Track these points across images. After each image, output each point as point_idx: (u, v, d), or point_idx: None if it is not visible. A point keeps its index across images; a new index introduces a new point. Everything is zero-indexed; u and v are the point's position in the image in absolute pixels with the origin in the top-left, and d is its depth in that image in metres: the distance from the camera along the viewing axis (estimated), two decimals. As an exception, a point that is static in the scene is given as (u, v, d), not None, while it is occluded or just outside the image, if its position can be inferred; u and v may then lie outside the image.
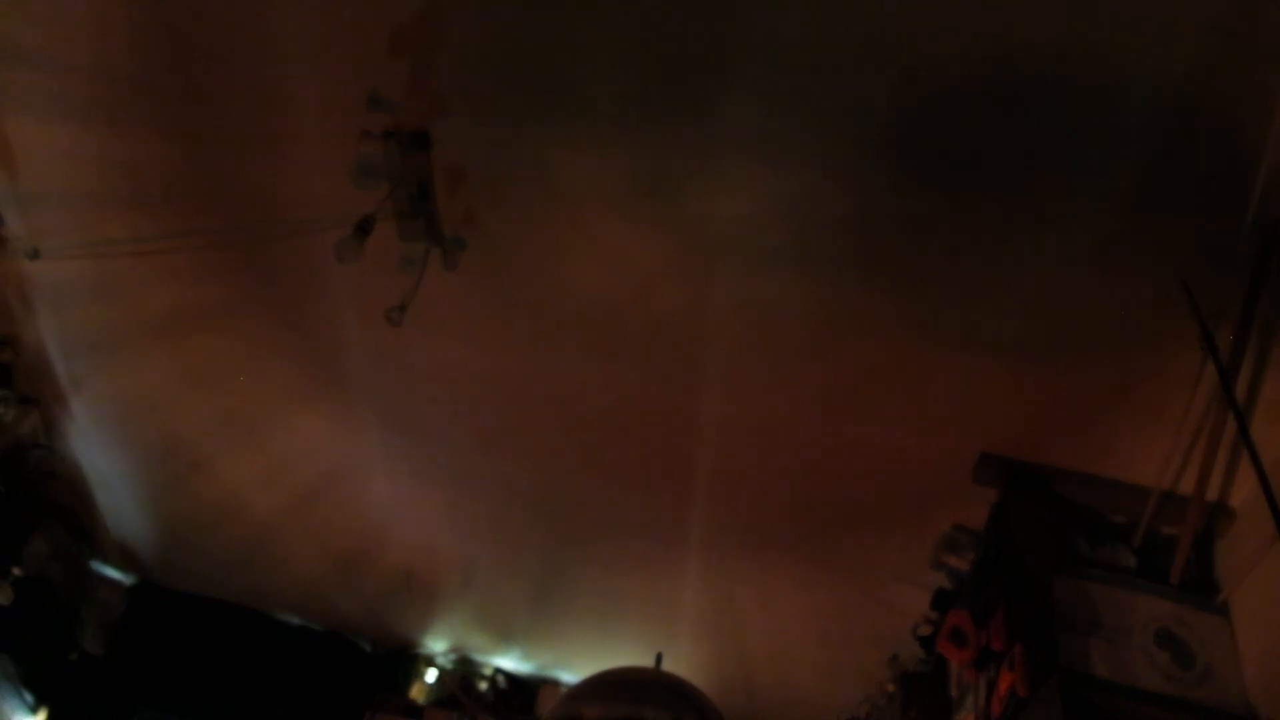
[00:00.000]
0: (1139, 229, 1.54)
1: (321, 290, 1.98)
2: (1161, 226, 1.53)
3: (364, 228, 1.68)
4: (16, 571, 2.38)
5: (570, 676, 2.70)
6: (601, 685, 1.18)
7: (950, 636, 1.87)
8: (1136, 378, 1.70)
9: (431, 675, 2.77)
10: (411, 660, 2.77)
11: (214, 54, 1.69)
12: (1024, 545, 1.80)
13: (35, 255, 2.05)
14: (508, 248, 1.84)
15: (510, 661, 2.74)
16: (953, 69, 1.46)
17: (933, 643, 2.05)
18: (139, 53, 1.72)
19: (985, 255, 1.63)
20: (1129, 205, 1.53)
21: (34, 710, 2.43)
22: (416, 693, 2.79)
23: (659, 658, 1.37)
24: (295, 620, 2.56)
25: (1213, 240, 1.52)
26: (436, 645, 2.62)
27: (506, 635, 2.54)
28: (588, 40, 1.55)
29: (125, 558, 2.63)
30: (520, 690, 2.77)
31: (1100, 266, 1.59)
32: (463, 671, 2.74)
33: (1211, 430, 1.65)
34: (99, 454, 2.40)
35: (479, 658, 2.71)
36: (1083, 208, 1.54)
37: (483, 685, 2.76)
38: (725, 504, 2.08)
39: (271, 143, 1.78)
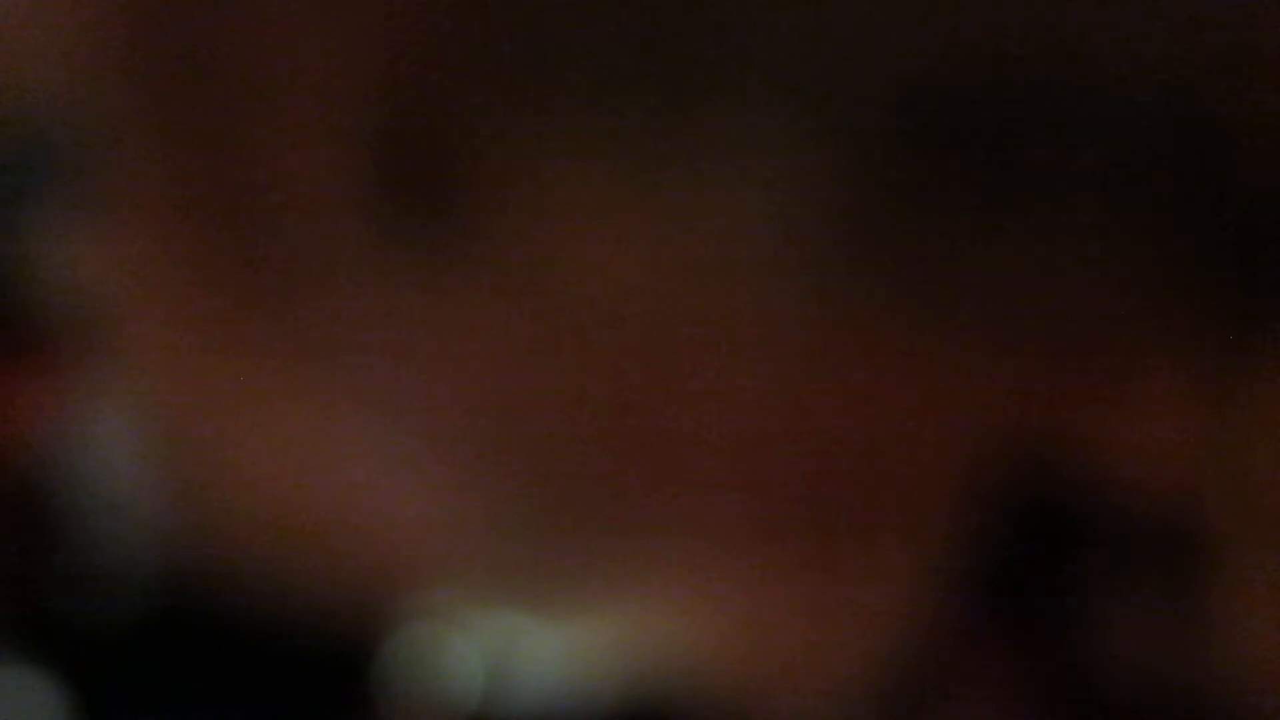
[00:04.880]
0: (1141, 229, 1.55)
1: (321, 288, 1.99)
2: (1165, 226, 1.53)
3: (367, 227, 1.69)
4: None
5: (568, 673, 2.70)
6: None
7: (949, 640, 1.87)
8: (1140, 378, 1.70)
9: (428, 677, 2.75)
10: (408, 660, 2.76)
11: (212, 36, 1.70)
12: (1026, 548, 1.80)
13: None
14: (504, 249, 1.84)
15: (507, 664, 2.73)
16: (955, 69, 1.47)
17: (931, 646, 2.05)
18: (133, 38, 1.72)
19: (987, 255, 1.64)
20: (1132, 205, 1.54)
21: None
22: (412, 696, 2.77)
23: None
24: (292, 619, 2.55)
25: (1215, 240, 1.52)
26: (434, 643, 2.61)
27: (504, 637, 2.53)
28: (586, 40, 1.57)
29: (117, 559, 2.62)
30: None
31: (1103, 267, 1.60)
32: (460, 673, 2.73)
33: (1216, 429, 1.65)
34: (92, 456, 2.39)
35: (477, 658, 2.70)
36: (1085, 207, 1.55)
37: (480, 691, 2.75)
38: (723, 503, 2.09)
39: (272, 137, 1.79)
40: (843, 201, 1.66)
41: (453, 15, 1.65)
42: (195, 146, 1.85)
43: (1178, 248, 1.57)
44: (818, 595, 2.07)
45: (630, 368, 1.94)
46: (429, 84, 1.71)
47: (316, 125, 1.76)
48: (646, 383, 1.95)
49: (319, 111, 1.74)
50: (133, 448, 2.25)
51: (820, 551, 2.03)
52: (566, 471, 2.09)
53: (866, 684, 1.96)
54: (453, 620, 2.03)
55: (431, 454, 2.10)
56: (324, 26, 1.69)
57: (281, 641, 2.05)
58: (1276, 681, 1.60)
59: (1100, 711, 1.62)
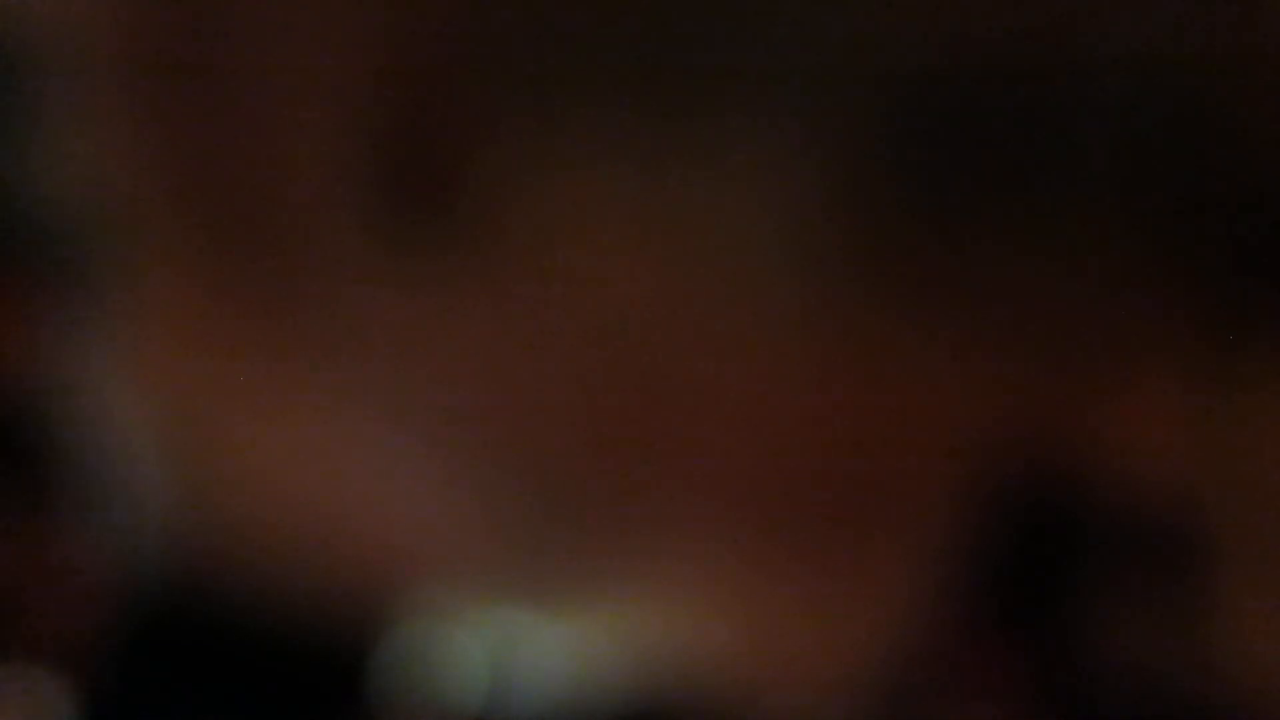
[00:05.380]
0: (1141, 229, 1.55)
1: (322, 288, 1.99)
2: (1164, 226, 1.54)
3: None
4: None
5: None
6: None
7: (950, 640, 1.87)
8: (1139, 378, 1.71)
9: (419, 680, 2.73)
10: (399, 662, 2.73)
11: (215, 39, 1.70)
12: (1025, 547, 1.80)
13: None
14: (504, 250, 1.84)
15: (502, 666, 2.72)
16: (955, 72, 1.48)
17: (932, 645, 2.05)
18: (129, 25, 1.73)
19: (986, 256, 1.64)
20: (1131, 206, 1.54)
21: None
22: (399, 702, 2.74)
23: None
24: (293, 616, 2.54)
25: (1215, 240, 1.53)
26: (435, 640, 2.59)
27: (506, 633, 2.53)
28: (589, 44, 1.57)
29: (115, 555, 2.61)
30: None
31: (1103, 268, 1.60)
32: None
33: (1216, 429, 1.65)
34: (91, 454, 2.39)
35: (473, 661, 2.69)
36: (1085, 208, 1.55)
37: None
38: (724, 502, 2.09)
39: (274, 139, 1.79)
40: (844, 204, 1.67)
41: (456, 20, 1.65)
42: (197, 149, 1.85)
43: (1178, 248, 1.58)
44: (818, 593, 2.08)
45: (632, 367, 1.94)
46: (433, 89, 1.72)
47: (320, 128, 1.76)
48: (649, 381, 1.95)
49: (322, 114, 1.75)
50: (132, 445, 2.26)
51: (821, 550, 2.04)
52: (568, 469, 2.09)
53: (867, 682, 1.97)
54: (454, 617, 2.04)
55: (433, 451, 2.10)
56: (328, 30, 1.69)
57: (282, 638, 2.05)
58: (1276, 681, 1.60)
59: (1100, 711, 1.62)
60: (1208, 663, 1.62)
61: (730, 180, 1.68)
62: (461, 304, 1.96)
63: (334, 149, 1.74)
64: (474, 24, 1.65)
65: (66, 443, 2.28)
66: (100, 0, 1.71)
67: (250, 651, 2.07)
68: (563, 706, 1.81)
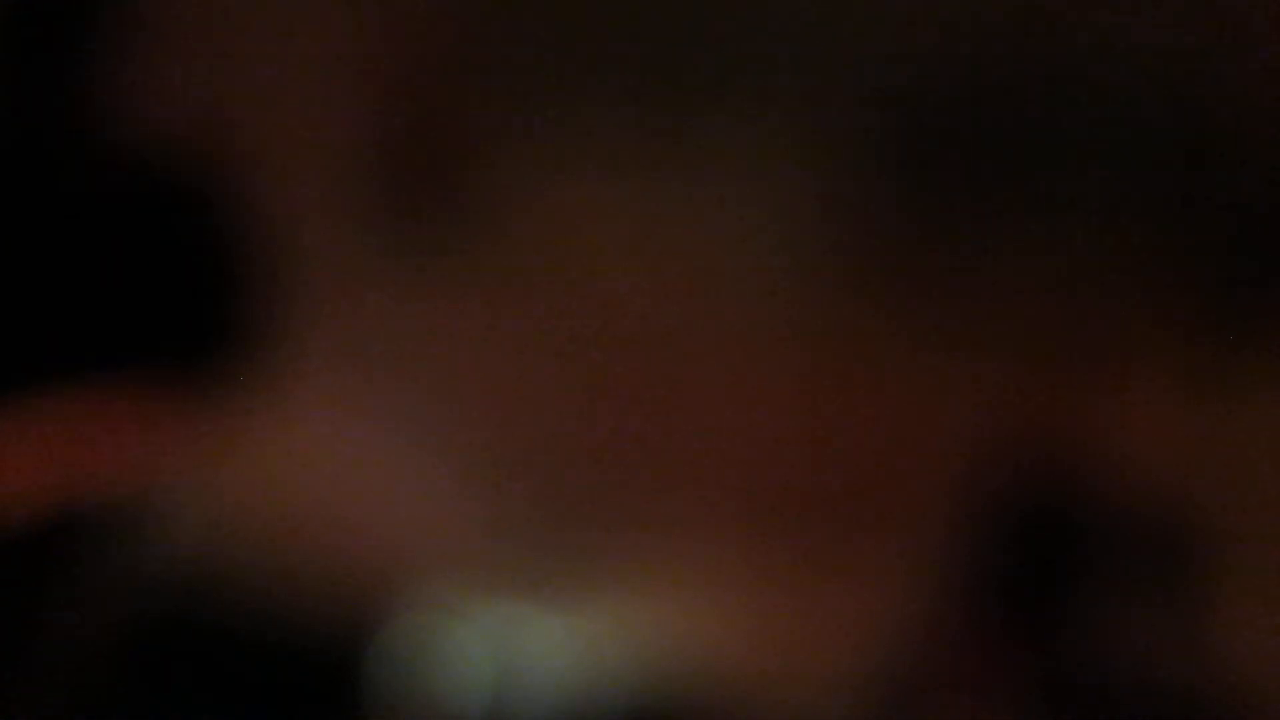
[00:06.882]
0: (1140, 230, 1.56)
1: (323, 289, 1.99)
2: (1163, 227, 1.54)
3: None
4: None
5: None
6: None
7: (951, 639, 1.87)
8: (1139, 379, 1.71)
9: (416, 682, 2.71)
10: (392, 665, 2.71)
11: (219, 48, 1.70)
12: (1025, 547, 1.81)
13: None
14: (505, 250, 1.85)
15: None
16: (953, 74, 1.49)
17: (933, 645, 2.05)
18: None
19: (985, 258, 1.65)
20: (1130, 207, 1.54)
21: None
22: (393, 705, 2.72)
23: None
24: (295, 611, 2.53)
25: (1214, 240, 1.53)
26: (437, 635, 2.58)
27: (508, 628, 2.53)
28: (592, 50, 1.58)
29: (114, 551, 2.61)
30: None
31: (1102, 269, 1.61)
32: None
33: (1216, 429, 1.66)
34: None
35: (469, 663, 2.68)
36: (1084, 209, 1.56)
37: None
38: (726, 502, 2.09)
39: (277, 144, 1.79)
40: (843, 206, 1.67)
41: (457, 24, 1.66)
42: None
43: (1176, 249, 1.58)
44: (819, 591, 2.07)
45: (634, 366, 1.94)
46: (435, 94, 1.72)
47: (321, 132, 1.77)
48: (651, 380, 1.95)
49: (323, 118, 1.75)
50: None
51: (822, 548, 2.04)
52: (570, 465, 2.09)
53: (867, 681, 1.97)
54: (455, 613, 2.04)
55: (435, 447, 2.10)
56: (332, 33, 1.69)
57: (283, 633, 2.05)
58: (1276, 681, 1.61)
59: (1100, 711, 1.62)
60: (1207, 662, 1.62)
61: (731, 183, 1.68)
62: (462, 304, 1.96)
63: (335, 154, 1.75)
64: (475, 28, 1.66)
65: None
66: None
67: (251, 647, 2.06)
68: (563, 702, 1.80)
